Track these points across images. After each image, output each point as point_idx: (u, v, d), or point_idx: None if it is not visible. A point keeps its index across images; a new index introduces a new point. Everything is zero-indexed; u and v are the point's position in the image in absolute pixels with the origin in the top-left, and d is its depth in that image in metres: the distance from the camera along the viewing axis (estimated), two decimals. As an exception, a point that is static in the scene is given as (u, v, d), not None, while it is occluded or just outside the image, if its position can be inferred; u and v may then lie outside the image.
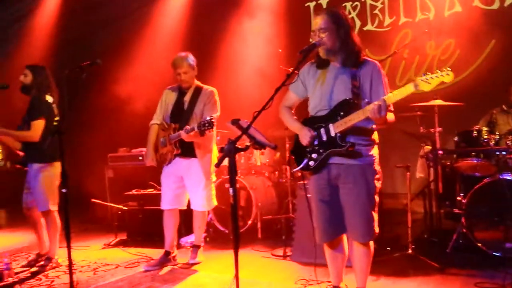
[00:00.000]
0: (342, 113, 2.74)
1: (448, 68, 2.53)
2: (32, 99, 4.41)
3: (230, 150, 2.27)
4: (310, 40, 2.82)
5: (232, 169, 2.28)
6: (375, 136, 2.92)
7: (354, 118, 2.69)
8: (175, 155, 4.28)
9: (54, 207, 4.42)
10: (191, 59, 4.33)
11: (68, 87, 4.54)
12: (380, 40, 6.40)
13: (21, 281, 4.06)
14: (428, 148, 4.91)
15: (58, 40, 8.15)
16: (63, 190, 3.04)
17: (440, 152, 4.58)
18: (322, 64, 2.91)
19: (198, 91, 4.36)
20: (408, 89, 2.57)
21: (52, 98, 4.46)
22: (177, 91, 4.43)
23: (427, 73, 2.54)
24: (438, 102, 4.49)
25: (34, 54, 8.09)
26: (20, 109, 4.42)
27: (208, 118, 3.87)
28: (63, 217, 3.15)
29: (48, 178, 4.32)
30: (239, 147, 2.31)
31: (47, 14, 8.29)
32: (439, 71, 2.53)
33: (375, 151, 2.89)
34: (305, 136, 2.84)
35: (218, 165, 2.41)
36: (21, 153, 4.55)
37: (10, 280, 4.02)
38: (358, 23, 6.61)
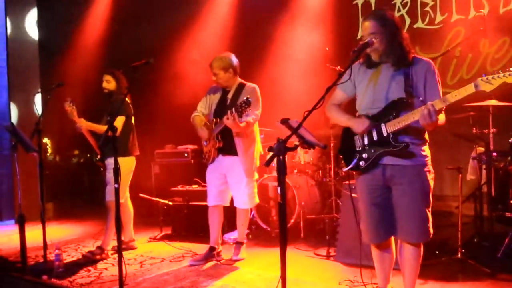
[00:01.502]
0: (394, 113, 2.71)
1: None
2: (116, 103, 4.68)
3: (279, 150, 2.27)
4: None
5: (281, 169, 2.28)
6: (426, 135, 2.86)
7: (408, 119, 2.65)
8: (218, 151, 4.33)
9: (122, 200, 4.60)
10: (227, 61, 4.29)
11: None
12: (430, 38, 6.20)
13: (71, 273, 4.21)
14: (480, 149, 4.74)
15: (109, 38, 8.39)
16: (115, 186, 3.13)
17: (494, 154, 4.42)
18: (373, 64, 2.88)
19: (241, 87, 4.39)
20: (469, 90, 2.50)
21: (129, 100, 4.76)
22: (221, 89, 4.48)
23: (487, 74, 2.46)
24: (493, 102, 4.32)
25: (86, 52, 8.38)
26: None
27: (244, 98, 3.88)
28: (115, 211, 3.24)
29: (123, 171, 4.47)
30: (288, 146, 2.31)
31: (98, 13, 8.54)
32: (502, 72, 2.43)
33: (427, 151, 2.83)
34: (362, 123, 2.79)
35: (267, 164, 2.41)
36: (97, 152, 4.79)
37: (60, 271, 4.17)
38: (408, 20, 6.44)
